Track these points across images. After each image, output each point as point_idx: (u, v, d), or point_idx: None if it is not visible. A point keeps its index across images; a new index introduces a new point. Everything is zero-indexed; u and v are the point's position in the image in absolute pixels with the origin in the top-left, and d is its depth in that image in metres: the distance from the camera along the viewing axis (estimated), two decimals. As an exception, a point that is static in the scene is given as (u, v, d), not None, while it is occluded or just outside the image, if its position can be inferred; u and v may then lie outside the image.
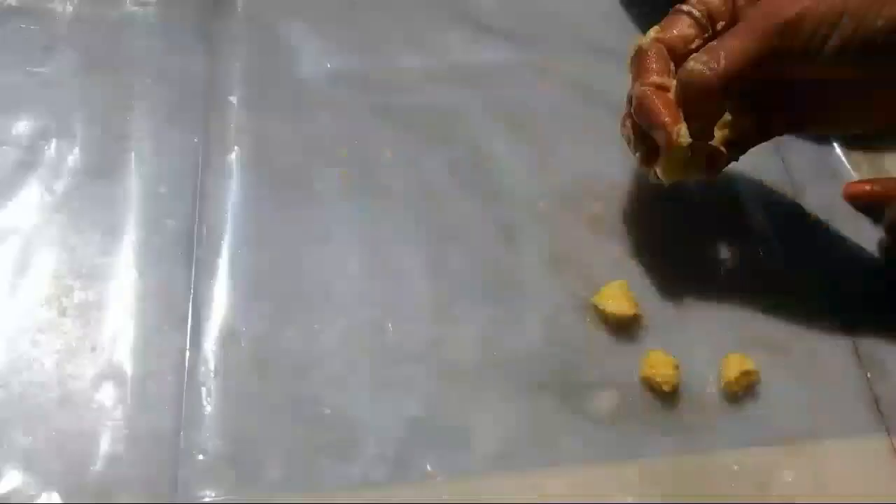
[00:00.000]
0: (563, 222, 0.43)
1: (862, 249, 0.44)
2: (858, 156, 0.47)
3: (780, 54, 0.34)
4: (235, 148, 0.44)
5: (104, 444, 0.35)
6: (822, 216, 0.45)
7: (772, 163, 0.46)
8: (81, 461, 0.35)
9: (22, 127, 0.44)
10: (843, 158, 0.47)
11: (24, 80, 0.46)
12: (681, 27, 0.38)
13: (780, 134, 0.41)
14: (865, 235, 0.44)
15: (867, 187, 0.45)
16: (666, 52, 0.38)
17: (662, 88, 0.37)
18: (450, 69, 0.49)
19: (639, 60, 0.38)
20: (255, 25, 0.50)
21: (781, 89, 0.38)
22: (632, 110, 0.38)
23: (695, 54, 0.36)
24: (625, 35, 0.51)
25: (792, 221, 0.44)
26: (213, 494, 0.34)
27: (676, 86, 0.36)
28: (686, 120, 0.36)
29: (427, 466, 0.35)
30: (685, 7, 0.38)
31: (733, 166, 0.46)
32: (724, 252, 0.43)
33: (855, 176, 0.46)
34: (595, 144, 0.46)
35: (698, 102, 0.36)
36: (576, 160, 0.45)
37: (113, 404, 0.36)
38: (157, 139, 0.44)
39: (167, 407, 0.36)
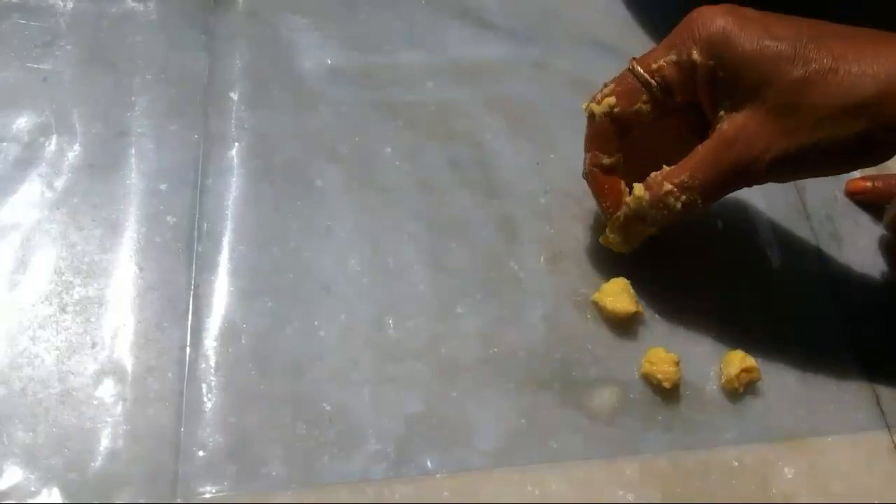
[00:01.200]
0: (564, 218, 0.43)
1: (863, 247, 0.44)
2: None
3: (740, 182, 0.36)
4: (236, 144, 0.44)
5: (104, 441, 0.35)
6: (824, 213, 0.45)
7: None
8: (82, 457, 0.35)
9: (22, 123, 0.44)
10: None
11: (24, 76, 0.46)
12: (634, 101, 0.37)
13: None
14: (867, 232, 0.44)
15: (869, 184, 0.45)
16: (616, 129, 0.38)
17: (608, 170, 0.38)
18: (450, 65, 0.49)
19: (589, 130, 0.39)
20: (255, 21, 0.50)
21: None
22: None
23: (670, 191, 0.36)
24: (625, 30, 0.51)
25: (793, 220, 0.44)
26: (214, 490, 0.34)
27: (650, 206, 0.37)
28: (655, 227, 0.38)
29: (427, 463, 0.35)
30: (642, 73, 0.36)
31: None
32: (725, 249, 0.43)
33: (856, 174, 0.46)
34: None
35: (677, 222, 0.37)
36: (577, 156, 0.45)
37: (113, 400, 0.36)
38: (157, 135, 0.44)
39: (167, 403, 0.36)
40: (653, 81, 0.36)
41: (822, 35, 0.33)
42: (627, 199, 0.38)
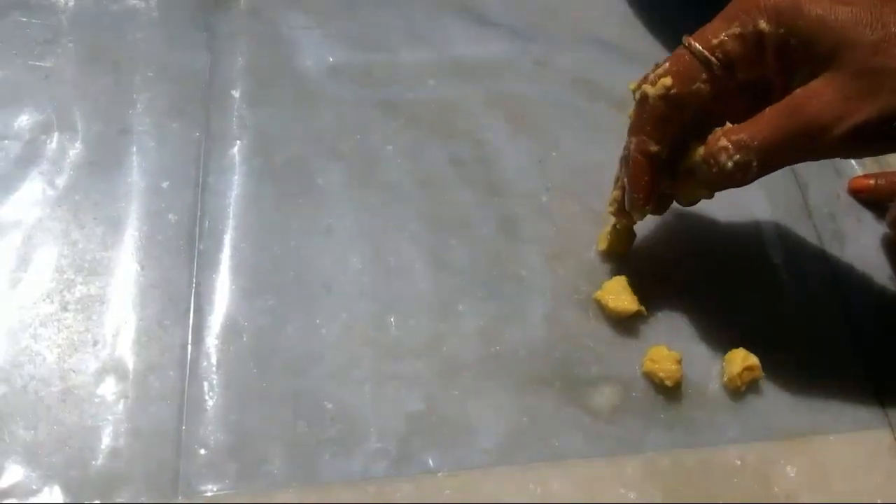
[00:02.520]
0: (566, 217, 0.43)
1: (866, 245, 0.44)
2: (862, 150, 0.47)
3: (808, 157, 0.34)
4: (237, 142, 0.44)
5: (106, 439, 0.35)
6: (826, 211, 0.45)
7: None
8: (83, 455, 0.35)
9: (23, 121, 0.44)
10: (847, 153, 0.47)
11: (25, 73, 0.46)
12: (693, 80, 0.34)
13: None
14: (869, 230, 0.44)
15: (872, 182, 0.45)
16: (670, 113, 0.35)
17: (653, 158, 0.36)
18: (451, 63, 0.49)
19: (639, 113, 0.36)
20: (256, 19, 0.50)
21: None
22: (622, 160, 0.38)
23: (724, 147, 0.33)
24: (627, 28, 0.51)
25: (796, 217, 0.44)
26: (215, 489, 0.34)
27: (703, 164, 0.34)
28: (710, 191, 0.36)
29: (428, 461, 0.35)
30: (700, 50, 0.34)
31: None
32: (727, 247, 0.43)
33: (859, 171, 0.46)
34: (597, 137, 0.46)
35: (729, 186, 0.35)
36: (578, 153, 0.45)
37: (115, 399, 0.36)
38: (158, 133, 0.44)
39: (169, 401, 0.36)
40: (713, 58, 0.34)
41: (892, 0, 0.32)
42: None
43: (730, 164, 0.33)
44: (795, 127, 0.32)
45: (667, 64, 0.35)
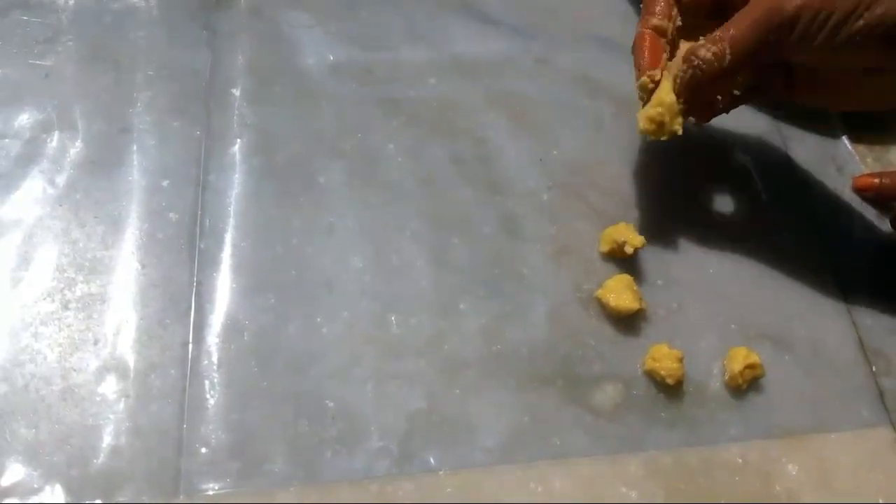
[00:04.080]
0: (567, 215, 0.43)
1: (868, 243, 0.44)
2: (864, 149, 0.47)
3: (778, 46, 0.36)
4: (238, 140, 0.44)
5: (107, 438, 0.35)
6: (829, 210, 0.45)
7: (778, 156, 0.46)
8: (84, 454, 0.35)
9: (24, 120, 0.44)
10: (849, 152, 0.47)
11: (25, 72, 0.46)
12: None
13: (778, 98, 0.42)
14: (873, 229, 0.44)
15: (876, 180, 0.45)
16: None
17: (660, 31, 0.39)
18: (452, 61, 0.49)
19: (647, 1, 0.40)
20: (257, 17, 0.49)
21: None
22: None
23: (702, 44, 0.37)
24: (627, 26, 0.51)
25: (798, 216, 0.44)
26: (216, 487, 0.34)
27: (684, 68, 0.37)
28: (698, 96, 0.38)
29: (430, 460, 0.35)
30: None
31: (738, 161, 0.46)
32: (730, 246, 0.43)
33: (862, 169, 0.46)
34: (598, 135, 0.46)
35: (707, 87, 0.38)
36: (579, 151, 0.45)
37: (116, 397, 0.36)
38: (159, 131, 0.44)
39: (170, 400, 0.36)
40: None
41: None
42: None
43: (709, 54, 0.37)
44: (760, 10, 0.36)
45: None
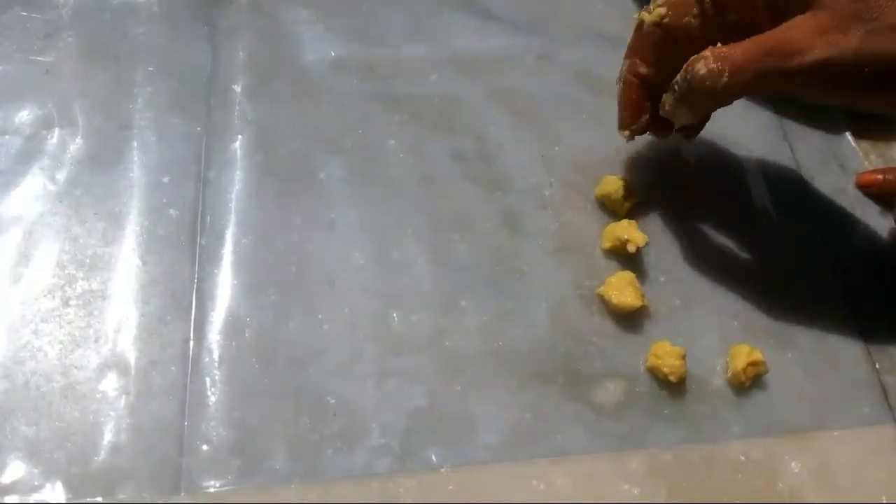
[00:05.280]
0: (569, 211, 0.43)
1: (872, 240, 0.43)
2: (867, 146, 0.47)
3: (777, 83, 0.36)
4: (238, 136, 0.44)
5: (108, 435, 0.35)
6: (831, 206, 0.44)
7: (780, 152, 0.46)
8: (85, 452, 0.35)
9: (24, 116, 0.44)
10: (853, 148, 0.47)
11: (25, 68, 0.46)
12: (685, 13, 0.37)
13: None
14: (875, 225, 0.44)
15: (880, 176, 0.45)
16: (662, 40, 0.38)
17: (642, 79, 0.40)
18: (453, 57, 0.49)
19: (635, 37, 0.40)
20: (257, 13, 0.49)
21: None
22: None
23: (705, 56, 0.35)
24: (628, 22, 0.50)
25: (801, 212, 0.44)
26: (218, 484, 0.34)
27: (680, 78, 0.37)
28: (687, 108, 0.38)
29: (431, 457, 0.35)
30: None
31: (740, 157, 0.45)
32: (732, 243, 0.42)
33: (865, 165, 0.46)
34: (599, 132, 0.45)
35: (702, 101, 0.37)
36: (580, 148, 0.45)
37: (117, 394, 0.36)
38: (159, 128, 0.44)
39: (171, 397, 0.36)
40: None
41: None
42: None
43: (703, 70, 0.35)
44: (770, 47, 0.34)
45: None
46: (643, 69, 0.39)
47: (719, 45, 0.36)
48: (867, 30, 0.33)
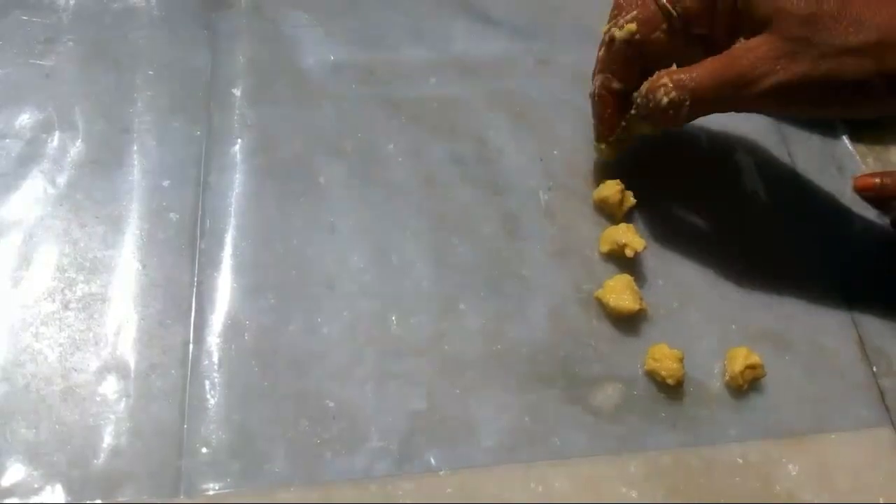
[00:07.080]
0: (568, 214, 0.43)
1: (869, 243, 0.44)
2: (864, 149, 0.47)
3: (735, 105, 0.37)
4: (238, 140, 0.44)
5: (107, 438, 0.35)
6: (829, 209, 0.45)
7: (778, 155, 0.46)
8: (85, 454, 0.35)
9: (24, 120, 0.44)
10: (850, 152, 0.47)
11: (26, 72, 0.46)
12: (654, 29, 0.38)
13: None
14: (873, 229, 0.44)
15: (878, 180, 0.45)
16: (633, 55, 0.39)
17: (615, 94, 0.41)
18: (453, 61, 0.49)
19: (606, 53, 0.40)
20: (257, 17, 0.50)
21: None
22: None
23: (664, 84, 0.37)
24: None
25: (798, 215, 0.44)
26: (217, 487, 0.34)
27: (641, 99, 0.38)
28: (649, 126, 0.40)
29: (430, 460, 0.35)
30: (664, 3, 0.38)
31: (738, 161, 0.46)
32: (730, 246, 0.43)
33: (863, 169, 0.46)
34: (599, 136, 0.45)
35: (664, 124, 0.39)
36: (579, 151, 0.45)
37: (116, 397, 0.36)
38: (159, 131, 0.44)
39: (171, 400, 0.36)
40: (673, 11, 0.38)
41: None
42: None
43: (665, 99, 0.37)
44: (728, 74, 0.36)
45: (635, 11, 0.39)
46: (616, 84, 0.40)
47: (675, 67, 0.38)
48: (816, 53, 0.35)
